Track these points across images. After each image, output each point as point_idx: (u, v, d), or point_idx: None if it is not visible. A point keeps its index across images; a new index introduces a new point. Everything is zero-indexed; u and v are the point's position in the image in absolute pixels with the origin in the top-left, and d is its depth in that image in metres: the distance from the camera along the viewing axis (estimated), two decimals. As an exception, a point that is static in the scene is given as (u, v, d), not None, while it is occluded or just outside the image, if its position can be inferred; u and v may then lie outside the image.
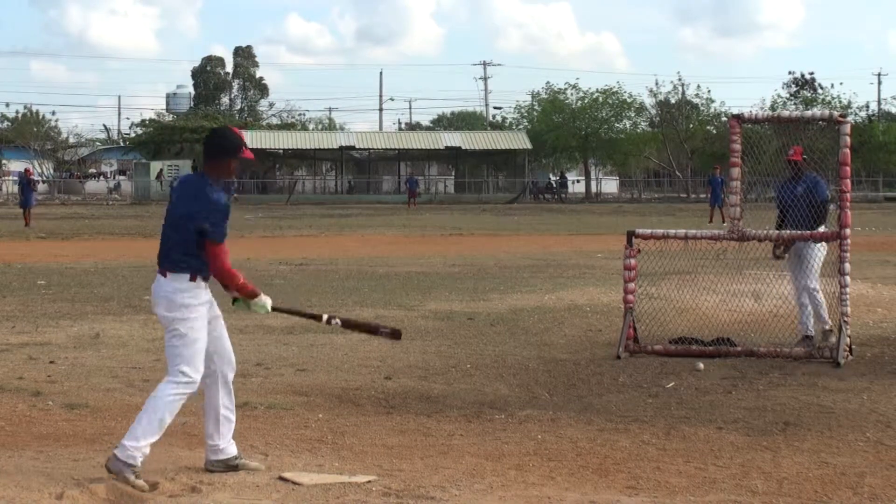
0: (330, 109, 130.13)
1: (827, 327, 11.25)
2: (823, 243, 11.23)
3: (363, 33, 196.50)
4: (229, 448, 6.65)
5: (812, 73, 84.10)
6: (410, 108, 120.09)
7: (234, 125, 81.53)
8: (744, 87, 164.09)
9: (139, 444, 6.28)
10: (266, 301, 6.67)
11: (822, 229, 11.15)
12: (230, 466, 6.62)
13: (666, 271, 12.95)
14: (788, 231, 11.22)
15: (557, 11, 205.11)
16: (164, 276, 6.47)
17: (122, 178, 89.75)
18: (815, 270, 11.30)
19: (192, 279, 6.43)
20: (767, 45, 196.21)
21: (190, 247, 6.41)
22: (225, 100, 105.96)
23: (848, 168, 10.78)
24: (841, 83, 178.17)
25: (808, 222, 11.14)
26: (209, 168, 6.57)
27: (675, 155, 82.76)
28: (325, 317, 7.02)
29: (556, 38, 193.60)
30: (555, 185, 79.67)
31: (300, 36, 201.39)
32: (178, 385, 6.38)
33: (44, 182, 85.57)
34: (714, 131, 78.52)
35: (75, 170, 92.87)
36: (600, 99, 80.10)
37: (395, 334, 7.22)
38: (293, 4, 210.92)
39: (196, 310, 6.44)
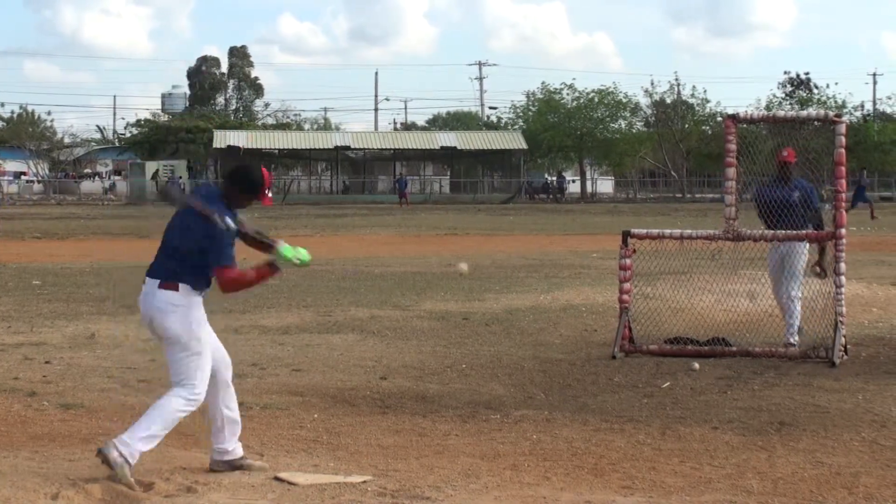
0: (325, 109, 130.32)
1: (791, 340, 11.22)
2: (806, 249, 11.26)
3: (356, 33, 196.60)
4: (237, 449, 6.65)
5: (807, 73, 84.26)
6: (406, 108, 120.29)
7: (229, 125, 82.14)
8: (739, 87, 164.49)
9: (142, 450, 6.27)
10: (290, 257, 6.41)
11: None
12: (235, 467, 6.61)
13: (661, 271, 12.95)
14: (784, 231, 11.22)
15: (550, 11, 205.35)
16: (174, 288, 6.34)
17: (117, 178, 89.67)
18: (799, 278, 11.31)
19: (198, 292, 6.42)
20: (762, 45, 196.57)
21: (192, 262, 6.36)
22: (220, 100, 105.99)
23: (843, 168, 10.78)
24: (836, 83, 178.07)
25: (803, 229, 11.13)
26: (230, 197, 6.47)
27: (671, 155, 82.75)
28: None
29: (549, 38, 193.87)
30: (551, 186, 79.62)
31: (294, 36, 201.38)
32: (188, 402, 6.36)
33: (39, 182, 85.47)
34: (709, 131, 78.56)
35: (70, 170, 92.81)
36: (596, 99, 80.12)
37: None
38: (286, 4, 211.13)
39: (206, 325, 6.45)
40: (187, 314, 6.34)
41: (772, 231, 11.25)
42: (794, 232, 11.12)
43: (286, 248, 6.42)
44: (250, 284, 6.42)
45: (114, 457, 6.19)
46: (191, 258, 6.35)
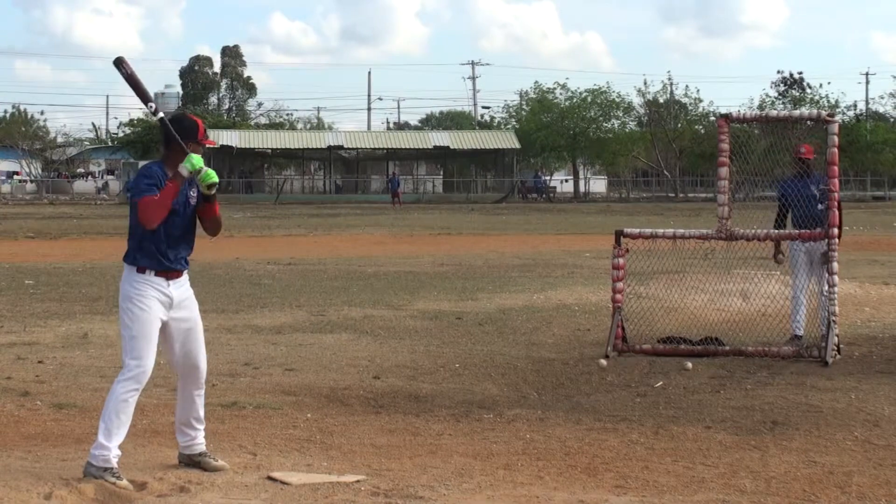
0: (318, 109, 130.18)
1: (798, 333, 11.37)
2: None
3: (348, 33, 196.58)
4: (194, 445, 6.69)
5: (801, 73, 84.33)
6: (399, 107, 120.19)
7: (222, 125, 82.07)
8: (732, 86, 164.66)
9: (108, 447, 6.29)
10: (192, 160, 6.36)
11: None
12: (193, 462, 6.65)
13: (654, 271, 12.95)
14: (777, 231, 11.24)
15: (541, 11, 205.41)
16: (123, 266, 6.57)
17: (110, 177, 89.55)
18: (824, 273, 11.33)
19: (140, 271, 6.44)
20: (753, 45, 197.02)
21: (136, 237, 6.46)
22: (213, 99, 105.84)
23: (836, 167, 10.79)
24: (829, 83, 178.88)
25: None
26: (165, 155, 6.54)
27: (664, 154, 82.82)
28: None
29: (540, 38, 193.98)
30: (543, 186, 79.69)
31: (285, 35, 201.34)
32: (127, 380, 6.39)
33: (31, 182, 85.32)
34: (702, 131, 78.59)
35: (63, 169, 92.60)
36: (589, 98, 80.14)
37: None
38: (277, 4, 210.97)
39: (142, 301, 6.42)
40: (123, 288, 6.51)
41: (764, 231, 11.26)
42: (787, 232, 11.14)
43: (197, 158, 6.42)
44: (164, 199, 6.32)
45: (92, 472, 6.26)
46: (131, 228, 6.49)
